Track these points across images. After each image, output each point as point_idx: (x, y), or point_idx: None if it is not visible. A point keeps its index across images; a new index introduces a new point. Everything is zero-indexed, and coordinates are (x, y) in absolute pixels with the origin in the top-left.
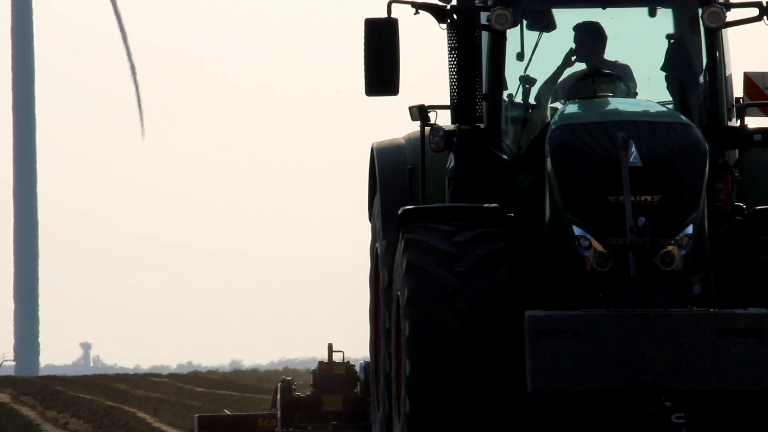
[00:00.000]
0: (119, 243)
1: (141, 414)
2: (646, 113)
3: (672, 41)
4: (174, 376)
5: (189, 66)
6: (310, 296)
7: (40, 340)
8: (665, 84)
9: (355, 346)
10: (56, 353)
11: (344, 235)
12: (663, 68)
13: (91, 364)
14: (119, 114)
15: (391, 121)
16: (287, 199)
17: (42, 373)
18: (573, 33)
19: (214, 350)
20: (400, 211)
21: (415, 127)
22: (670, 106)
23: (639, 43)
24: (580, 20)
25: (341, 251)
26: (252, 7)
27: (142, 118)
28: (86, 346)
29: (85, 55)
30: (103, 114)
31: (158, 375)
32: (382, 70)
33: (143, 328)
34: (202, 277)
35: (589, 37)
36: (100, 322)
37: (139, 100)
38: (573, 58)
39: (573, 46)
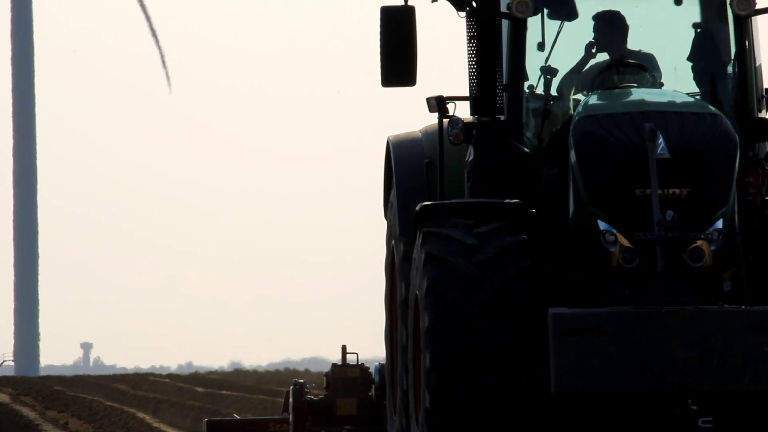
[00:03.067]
0: (119, 243)
1: (141, 414)
2: (673, 103)
3: (699, 30)
4: (174, 377)
5: (188, 68)
6: (312, 297)
7: (40, 340)
8: (692, 74)
9: (365, 346)
10: (56, 353)
11: (349, 235)
12: (689, 58)
13: (91, 365)
14: (120, 114)
15: (405, 114)
16: (288, 199)
17: (42, 373)
18: (592, 23)
19: (214, 351)
20: (418, 207)
21: (432, 119)
22: (698, 97)
23: (664, 32)
24: (601, 9)
25: (343, 251)
26: (250, 8)
27: (167, 73)
28: (86, 346)
29: (85, 55)
30: (104, 114)
31: (158, 375)
32: (398, 60)
33: (143, 329)
34: (202, 277)
35: (608, 27)
36: (100, 322)
37: (161, 53)
38: (593, 50)
39: (593, 36)
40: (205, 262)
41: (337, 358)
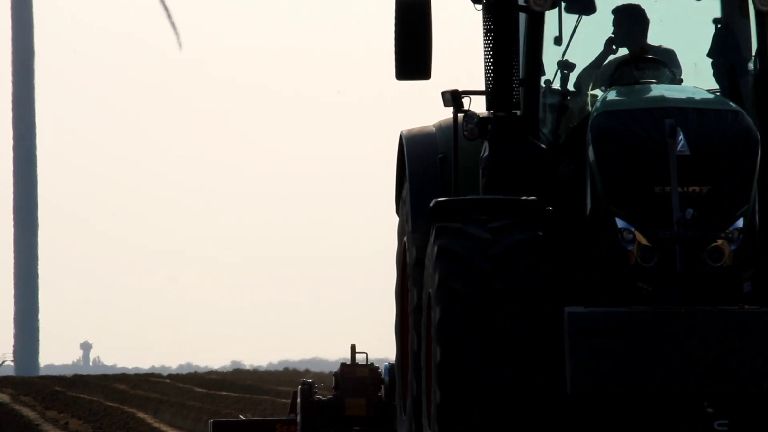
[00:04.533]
0: (119, 243)
1: (141, 414)
2: (693, 100)
3: (719, 26)
4: (174, 377)
5: (188, 69)
6: (313, 297)
7: (40, 340)
8: (712, 71)
9: (374, 346)
10: (56, 353)
11: (356, 234)
12: (709, 54)
13: (91, 365)
14: (120, 114)
15: (419, 108)
16: (290, 198)
17: (42, 373)
18: (612, 17)
19: (214, 351)
20: (432, 203)
21: (447, 114)
22: (718, 94)
23: (684, 27)
24: (620, 3)
25: (349, 250)
26: (250, 8)
27: (175, 29)
28: (86, 346)
29: (85, 55)
30: (104, 114)
31: (158, 375)
32: (413, 53)
33: (143, 329)
34: (202, 277)
35: (628, 21)
36: (100, 322)
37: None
38: (613, 46)
39: (612, 30)
40: (206, 261)
41: (337, 358)
